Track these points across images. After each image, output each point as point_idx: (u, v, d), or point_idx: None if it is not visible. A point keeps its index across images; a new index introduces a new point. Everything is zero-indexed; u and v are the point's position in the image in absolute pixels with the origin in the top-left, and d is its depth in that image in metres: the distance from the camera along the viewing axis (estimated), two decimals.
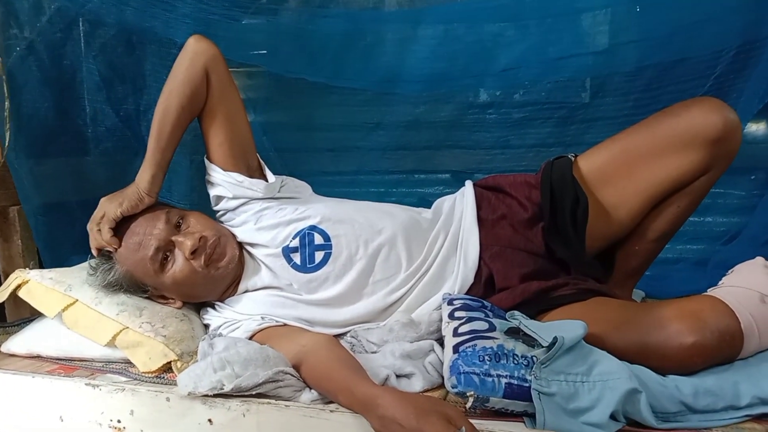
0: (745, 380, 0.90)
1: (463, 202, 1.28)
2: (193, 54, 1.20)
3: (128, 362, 1.15)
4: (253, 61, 1.79)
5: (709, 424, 0.87)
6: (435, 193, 1.78)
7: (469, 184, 1.32)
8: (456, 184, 1.48)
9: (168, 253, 1.16)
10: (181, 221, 1.18)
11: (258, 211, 1.26)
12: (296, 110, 1.82)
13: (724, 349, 0.91)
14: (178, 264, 1.15)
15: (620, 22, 1.57)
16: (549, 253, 1.20)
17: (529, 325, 0.98)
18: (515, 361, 0.92)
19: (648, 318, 0.94)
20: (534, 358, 0.92)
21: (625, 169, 1.16)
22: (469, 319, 1.04)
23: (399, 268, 1.21)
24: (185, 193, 1.65)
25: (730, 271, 1.02)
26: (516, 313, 1.08)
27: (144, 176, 1.19)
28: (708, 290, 0.99)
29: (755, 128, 1.63)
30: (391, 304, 1.20)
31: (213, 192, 1.29)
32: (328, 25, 1.66)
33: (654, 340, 0.92)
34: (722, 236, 1.60)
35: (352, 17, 1.68)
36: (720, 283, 1.00)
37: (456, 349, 0.97)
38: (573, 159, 1.22)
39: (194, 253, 1.14)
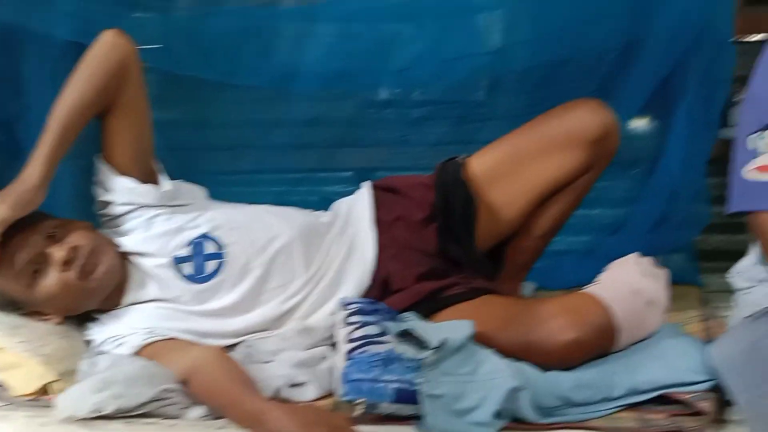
0: (620, 372, 0.96)
1: (360, 204, 1.28)
2: (110, 47, 1.14)
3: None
4: (142, 56, 1.71)
5: (587, 416, 0.92)
6: (338, 191, 1.75)
7: (366, 185, 1.32)
8: (358, 183, 1.48)
9: (40, 266, 1.08)
10: (55, 231, 1.11)
11: (149, 218, 1.21)
12: (191, 108, 1.74)
13: (601, 343, 0.96)
14: (51, 277, 1.08)
15: (513, 22, 1.60)
16: (443, 252, 1.22)
17: (419, 327, 1.00)
18: (405, 365, 0.93)
19: (531, 315, 0.98)
20: (426, 360, 0.93)
21: (512, 169, 1.20)
22: (363, 324, 1.04)
23: (295, 274, 1.19)
24: (67, 199, 1.55)
25: (606, 268, 1.07)
26: (409, 314, 1.10)
27: (35, 172, 1.10)
28: (586, 287, 1.04)
29: (638, 125, 1.72)
30: (288, 311, 1.18)
31: (102, 197, 1.22)
32: (222, 21, 1.61)
33: (536, 337, 0.95)
34: (609, 227, 1.68)
35: (248, 13, 1.63)
36: (597, 279, 1.05)
37: (348, 355, 0.97)
38: (464, 160, 1.24)
39: (66, 264, 1.07)
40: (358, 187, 1.35)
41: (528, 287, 1.51)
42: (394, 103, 1.70)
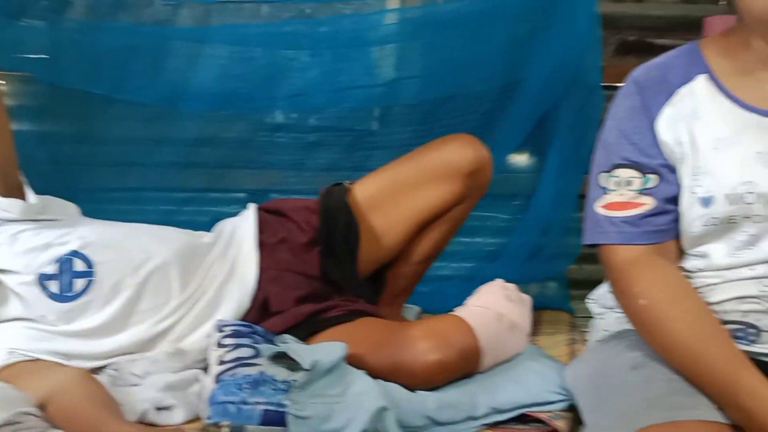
0: (482, 392, 1.00)
1: (243, 226, 1.28)
2: None
3: None
4: (26, 67, 1.64)
5: None
6: (229, 212, 1.74)
7: (251, 207, 1.32)
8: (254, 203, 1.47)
9: None
10: None
11: (13, 234, 1.14)
12: (76, 121, 1.68)
13: (465, 364, 1.01)
14: None
15: (404, 58, 1.68)
16: (324, 275, 1.24)
17: (294, 349, 1.00)
18: (274, 387, 0.94)
19: (401, 337, 1.01)
20: (296, 382, 0.94)
21: (392, 197, 1.25)
22: (236, 346, 1.04)
23: (170, 296, 1.16)
24: None
25: (474, 292, 1.13)
26: (286, 336, 1.10)
27: None
28: (454, 309, 1.09)
29: (518, 159, 1.83)
30: (160, 333, 1.15)
31: None
32: (113, 36, 1.58)
33: (404, 358, 0.99)
34: (490, 255, 1.77)
35: (139, 31, 1.61)
36: (465, 302, 1.10)
37: (217, 378, 0.96)
38: (349, 186, 1.28)
39: None
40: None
41: (413, 311, 1.55)
42: (288, 128, 1.73)
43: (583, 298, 1.53)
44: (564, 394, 1.02)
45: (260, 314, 1.19)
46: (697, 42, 0.92)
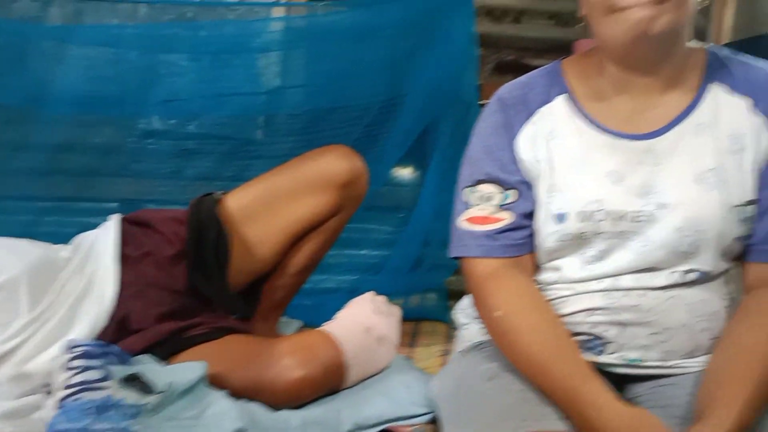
0: (347, 407, 0.99)
1: (104, 239, 1.20)
2: None
3: None
4: None
5: None
6: (102, 222, 1.66)
7: (114, 218, 1.24)
8: (126, 213, 1.38)
9: None
10: None
11: None
12: None
13: (330, 379, 0.99)
14: None
15: (289, 66, 1.66)
16: (192, 290, 1.19)
17: (147, 371, 0.95)
18: (122, 411, 0.87)
19: (265, 355, 0.98)
20: (147, 405, 0.89)
21: (267, 208, 1.21)
22: (85, 369, 0.95)
23: (17, 314, 1.06)
24: None
25: (345, 306, 1.12)
26: (144, 357, 1.04)
27: None
28: (323, 324, 1.07)
29: (402, 172, 1.86)
30: (4, 355, 1.04)
31: None
32: None
33: (267, 376, 0.96)
34: (373, 267, 1.77)
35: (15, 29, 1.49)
36: (335, 316, 1.09)
37: (60, 403, 0.89)
38: (221, 197, 1.23)
39: None
40: None
41: (294, 325, 1.52)
42: (164, 134, 1.65)
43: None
44: (429, 407, 1.03)
45: (119, 333, 1.11)
46: (559, 62, 0.95)
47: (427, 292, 1.74)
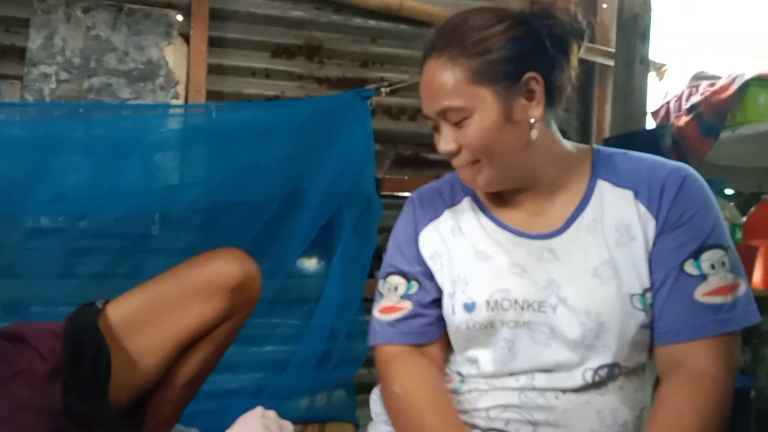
0: None
1: None
2: None
3: None
4: None
5: None
6: None
7: None
8: (8, 318, 1.28)
9: None
10: None
11: None
12: None
13: None
14: None
15: (188, 163, 1.64)
16: (70, 411, 1.09)
17: None
18: None
19: None
20: None
21: (151, 317, 1.15)
22: None
23: None
24: None
25: (234, 423, 1.06)
26: None
27: None
28: None
29: (306, 264, 1.84)
30: None
31: None
32: None
33: None
34: (279, 363, 1.72)
35: None
36: None
37: None
38: (101, 306, 1.16)
39: None
40: (4, 324, 1.16)
41: None
42: (60, 232, 1.57)
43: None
44: None
45: None
46: None
47: (336, 388, 1.70)
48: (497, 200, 0.98)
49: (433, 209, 1.01)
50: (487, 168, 0.90)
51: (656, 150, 1.59)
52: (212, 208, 1.62)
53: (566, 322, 0.85)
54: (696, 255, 0.85)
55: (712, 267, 0.84)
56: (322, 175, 1.61)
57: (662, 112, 1.81)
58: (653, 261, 0.86)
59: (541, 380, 0.87)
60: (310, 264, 1.84)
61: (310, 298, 1.78)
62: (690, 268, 0.85)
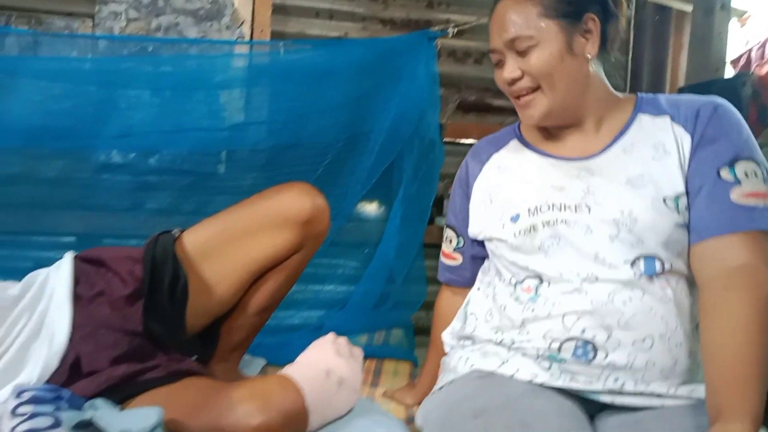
0: None
1: (56, 277, 1.15)
2: None
3: None
4: None
5: None
6: (57, 257, 1.60)
7: (68, 255, 1.20)
8: (82, 248, 1.34)
9: None
10: None
11: None
12: None
13: (290, 426, 0.96)
14: None
15: (250, 103, 1.66)
16: (148, 332, 1.15)
17: (103, 416, 0.90)
18: None
19: (222, 400, 0.95)
20: None
21: (225, 246, 1.18)
22: (33, 415, 0.91)
23: None
24: None
25: (307, 348, 1.09)
26: (98, 401, 0.99)
27: None
28: (284, 367, 1.04)
29: (367, 208, 1.86)
30: None
31: None
32: None
33: (225, 423, 0.92)
34: (338, 303, 1.76)
35: None
36: (297, 360, 1.07)
37: None
38: (178, 234, 1.20)
39: None
40: None
41: (257, 364, 1.49)
42: (124, 168, 1.62)
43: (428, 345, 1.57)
44: None
45: (70, 376, 1.06)
46: (518, 122, 1.14)
47: (393, 328, 1.73)
48: (543, 137, 1.08)
49: (483, 158, 1.14)
50: (547, 95, 0.99)
51: (735, 100, 1.52)
52: (275, 148, 1.64)
53: (601, 219, 0.94)
54: (731, 164, 0.91)
55: (746, 174, 0.90)
56: (384, 118, 1.61)
57: (742, 61, 1.73)
58: (691, 172, 0.94)
59: (593, 272, 0.93)
60: (371, 208, 1.86)
61: (369, 242, 1.81)
62: (725, 174, 0.91)
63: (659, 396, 0.89)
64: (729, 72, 1.74)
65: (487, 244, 1.09)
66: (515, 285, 1.01)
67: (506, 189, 1.07)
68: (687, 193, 0.94)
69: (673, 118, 0.98)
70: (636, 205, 0.93)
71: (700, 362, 0.90)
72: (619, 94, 1.05)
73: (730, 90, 1.57)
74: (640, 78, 1.98)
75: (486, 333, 1.02)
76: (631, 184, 0.95)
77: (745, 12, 1.96)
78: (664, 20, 1.92)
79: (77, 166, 1.58)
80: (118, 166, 1.61)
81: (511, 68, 1.00)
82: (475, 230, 1.12)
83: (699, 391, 0.89)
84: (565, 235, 0.96)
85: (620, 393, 0.90)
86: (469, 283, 1.16)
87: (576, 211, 0.96)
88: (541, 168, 1.04)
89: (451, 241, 1.19)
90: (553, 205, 0.98)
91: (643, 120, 1.01)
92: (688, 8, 1.85)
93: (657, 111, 1.01)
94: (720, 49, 1.67)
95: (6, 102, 1.41)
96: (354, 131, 1.62)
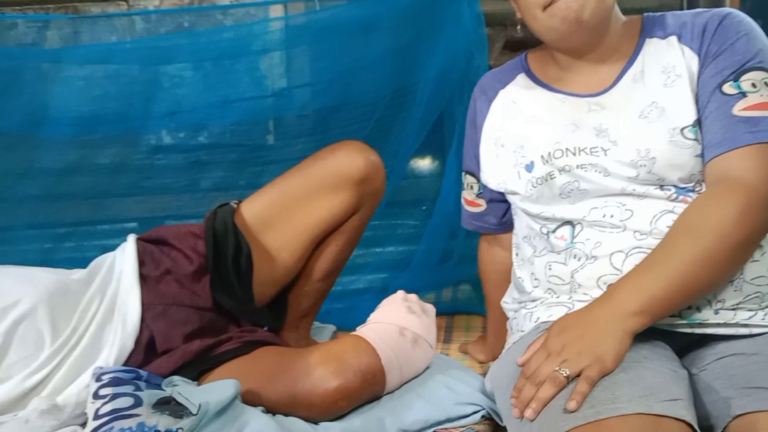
0: (389, 414, 0.94)
1: (122, 260, 1.16)
2: None
3: None
4: None
5: None
6: (121, 243, 1.63)
7: (131, 238, 1.20)
8: (144, 231, 1.35)
9: None
10: None
11: None
12: None
13: (369, 386, 0.94)
14: None
15: (293, 66, 1.61)
16: (218, 306, 1.14)
17: (181, 393, 0.91)
18: None
19: (298, 366, 0.93)
20: (179, 431, 0.84)
21: (283, 213, 1.17)
22: (114, 396, 0.92)
23: (42, 345, 1.03)
24: None
25: (377, 307, 1.07)
26: (175, 378, 1.00)
27: None
28: (357, 328, 1.02)
29: (421, 164, 1.80)
30: (32, 389, 1.01)
31: None
32: None
33: (301, 388, 0.91)
34: (402, 263, 1.72)
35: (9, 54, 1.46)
36: (368, 319, 1.04)
37: None
38: (236, 206, 1.19)
39: None
40: None
41: (328, 330, 1.48)
42: (175, 147, 1.62)
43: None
44: (478, 405, 0.98)
45: (146, 356, 1.08)
46: (525, 54, 1.11)
47: (460, 284, 1.69)
48: (551, 71, 1.03)
49: (490, 95, 1.08)
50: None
51: None
52: (322, 111, 1.59)
53: (618, 162, 0.89)
54: (736, 77, 0.86)
55: (753, 86, 0.85)
56: (430, 66, 1.53)
57: None
58: (699, 92, 0.89)
59: (625, 205, 0.88)
60: (425, 164, 1.80)
61: (427, 198, 1.75)
62: (729, 88, 0.86)
63: (742, 325, 0.82)
64: None
65: (508, 197, 1.06)
66: (548, 234, 0.96)
67: (517, 131, 1.02)
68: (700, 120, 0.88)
69: (680, 38, 0.93)
70: (652, 141, 0.88)
71: None
72: (625, 18, 1.00)
73: None
74: None
75: (541, 294, 0.97)
76: (643, 116, 0.90)
77: None
78: None
79: (130, 150, 1.58)
80: (170, 147, 1.60)
81: None
82: (490, 180, 1.08)
83: None
84: (585, 178, 0.92)
85: (701, 326, 0.83)
86: (498, 228, 1.15)
87: (590, 153, 0.92)
88: (551, 106, 0.99)
89: (472, 187, 1.16)
90: (567, 150, 0.93)
91: (650, 45, 0.96)
92: None
93: (664, 33, 0.95)
94: None
95: (53, 92, 1.41)
96: (400, 84, 1.55)
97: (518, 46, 1.85)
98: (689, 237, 0.80)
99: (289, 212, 1.16)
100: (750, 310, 0.82)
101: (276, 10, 1.64)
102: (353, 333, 1.00)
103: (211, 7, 1.63)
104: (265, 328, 1.23)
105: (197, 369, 1.04)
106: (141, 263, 1.15)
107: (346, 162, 1.15)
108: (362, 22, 1.52)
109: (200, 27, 1.64)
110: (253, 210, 1.18)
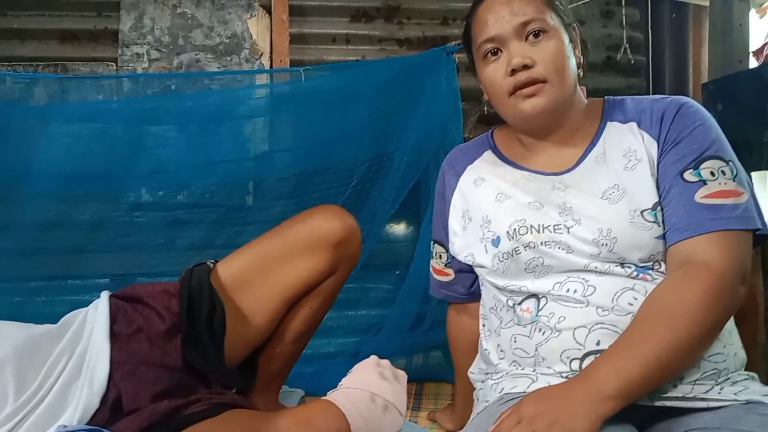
0: None
1: (94, 316, 1.15)
2: None
3: None
4: None
5: None
6: (94, 299, 1.62)
7: (104, 295, 1.20)
8: (118, 288, 1.34)
9: None
10: None
11: None
12: None
13: None
14: None
15: (276, 131, 1.66)
16: (188, 366, 1.14)
17: None
18: None
19: (267, 430, 0.93)
20: None
21: (259, 273, 1.18)
22: None
23: (5, 402, 1.01)
24: None
25: (349, 372, 1.07)
26: None
27: None
28: (328, 393, 1.02)
29: (396, 229, 1.84)
30: None
31: None
32: None
33: None
34: (373, 327, 1.73)
35: None
36: (339, 384, 1.04)
37: None
38: (212, 265, 1.20)
39: None
40: None
41: (295, 395, 1.47)
42: (153, 205, 1.64)
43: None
44: None
45: (112, 415, 1.05)
46: (491, 131, 1.15)
47: (431, 349, 1.70)
48: (517, 149, 1.07)
49: (458, 170, 1.12)
50: (554, 88, 0.95)
51: (763, 91, 1.48)
52: (302, 175, 1.64)
53: (581, 240, 0.92)
54: (696, 165, 0.90)
55: (712, 174, 0.89)
56: (408, 136, 1.60)
57: (766, 51, 1.68)
58: (659, 177, 0.92)
59: (587, 281, 0.91)
60: (400, 228, 1.84)
61: (401, 262, 1.78)
62: (690, 176, 0.89)
63: (703, 399, 0.83)
64: (753, 64, 1.70)
65: (475, 269, 1.08)
66: (514, 306, 0.99)
67: (483, 206, 1.05)
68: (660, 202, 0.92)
69: (639, 124, 0.97)
70: (614, 222, 0.91)
71: (742, 357, 0.88)
72: (587, 101, 1.05)
73: (758, 80, 1.53)
74: (663, 78, 1.95)
75: (506, 367, 0.99)
76: (605, 197, 0.93)
77: (763, 2, 1.92)
78: (681, 16, 1.89)
79: (109, 207, 1.59)
80: (149, 204, 1.62)
81: (521, 54, 0.95)
82: (458, 251, 1.10)
83: (747, 392, 0.83)
84: (549, 254, 0.94)
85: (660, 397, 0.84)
86: (466, 298, 1.17)
87: (554, 231, 0.94)
88: (517, 183, 1.02)
89: (440, 256, 1.18)
90: (531, 227, 0.96)
91: (612, 128, 1.00)
92: (705, 2, 1.82)
93: (624, 117, 1.00)
94: (742, 41, 1.63)
95: (38, 149, 1.44)
96: (379, 152, 1.61)
97: (492, 120, 1.94)
98: (665, 321, 0.81)
99: (265, 273, 1.17)
100: (707, 384, 0.84)
101: (262, 78, 1.71)
102: (324, 398, 1.00)
103: (198, 73, 1.69)
104: (234, 391, 1.22)
105: (164, 430, 1.02)
106: (113, 320, 1.14)
107: (324, 225, 1.17)
108: (344, 92, 1.59)
109: (187, 90, 1.70)
110: (229, 270, 1.19)
